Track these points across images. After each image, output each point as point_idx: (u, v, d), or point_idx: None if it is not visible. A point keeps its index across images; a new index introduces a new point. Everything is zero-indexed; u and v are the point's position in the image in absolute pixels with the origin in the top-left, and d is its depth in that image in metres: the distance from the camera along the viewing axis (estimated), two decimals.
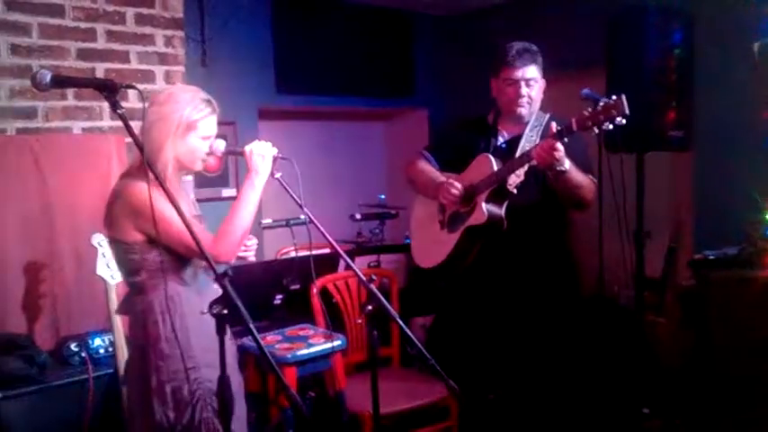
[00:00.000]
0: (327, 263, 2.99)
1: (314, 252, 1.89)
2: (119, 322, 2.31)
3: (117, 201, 1.75)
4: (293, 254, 2.93)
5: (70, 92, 2.84)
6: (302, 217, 1.77)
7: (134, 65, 3.03)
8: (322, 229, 1.76)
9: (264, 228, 3.18)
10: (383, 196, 4.59)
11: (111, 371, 2.43)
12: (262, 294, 2.89)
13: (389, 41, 4.95)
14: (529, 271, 2.40)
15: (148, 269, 1.75)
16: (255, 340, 1.41)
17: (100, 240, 2.40)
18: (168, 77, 3.13)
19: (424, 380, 2.95)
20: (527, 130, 2.40)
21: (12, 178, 2.62)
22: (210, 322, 1.80)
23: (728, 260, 3.04)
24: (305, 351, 2.56)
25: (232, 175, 4.07)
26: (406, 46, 5.05)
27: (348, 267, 1.79)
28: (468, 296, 2.53)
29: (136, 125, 1.59)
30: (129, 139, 1.80)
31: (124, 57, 2.99)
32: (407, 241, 3.11)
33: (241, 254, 1.89)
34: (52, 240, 2.69)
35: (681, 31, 2.97)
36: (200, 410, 1.75)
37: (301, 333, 2.77)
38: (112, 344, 2.41)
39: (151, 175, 1.52)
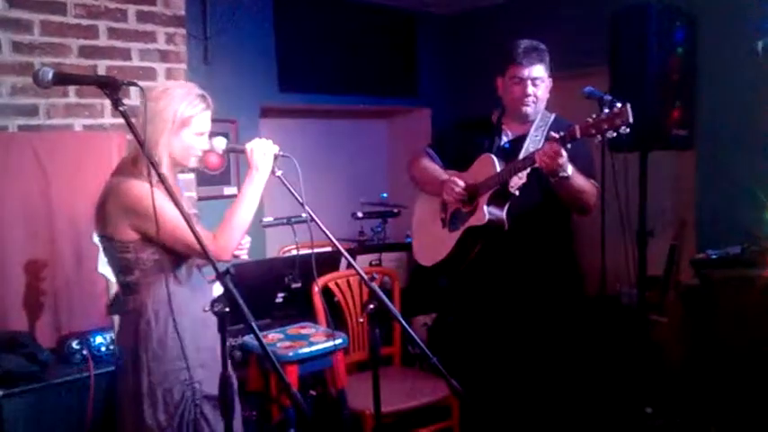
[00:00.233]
0: (329, 261, 2.98)
1: (316, 250, 1.88)
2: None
3: (110, 199, 1.72)
4: (295, 252, 2.92)
5: (72, 89, 2.83)
6: (304, 215, 1.76)
7: (136, 62, 3.02)
8: (323, 227, 1.76)
9: (266, 226, 3.18)
10: (385, 195, 4.58)
11: (113, 369, 2.42)
12: (263, 292, 2.89)
13: (392, 40, 4.94)
14: (531, 270, 2.39)
15: (142, 268, 1.73)
16: (257, 338, 1.40)
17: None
18: (170, 75, 3.12)
19: (426, 379, 2.95)
20: (532, 131, 2.39)
21: (13, 176, 2.61)
22: (203, 323, 1.79)
23: (731, 259, 3.03)
24: (306, 349, 2.56)
25: (234, 173, 4.07)
26: (409, 45, 5.04)
27: (350, 266, 1.78)
28: (470, 295, 2.52)
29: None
30: (131, 137, 1.77)
31: (126, 54, 2.99)
32: (409, 240, 3.11)
33: (235, 252, 1.86)
34: (53, 238, 2.68)
35: (684, 29, 2.96)
36: (190, 412, 1.73)
37: (303, 331, 2.77)
38: (114, 342, 2.41)
39: (153, 172, 1.51)
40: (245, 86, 4.07)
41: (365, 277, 1.74)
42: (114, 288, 2.39)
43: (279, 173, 1.84)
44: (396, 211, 4.11)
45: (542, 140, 2.32)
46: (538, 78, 2.35)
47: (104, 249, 1.79)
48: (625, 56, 2.93)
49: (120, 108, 1.49)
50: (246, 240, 1.92)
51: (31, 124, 2.74)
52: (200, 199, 3.24)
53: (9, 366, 2.24)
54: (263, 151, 1.82)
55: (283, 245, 3.80)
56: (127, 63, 3.00)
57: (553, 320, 2.40)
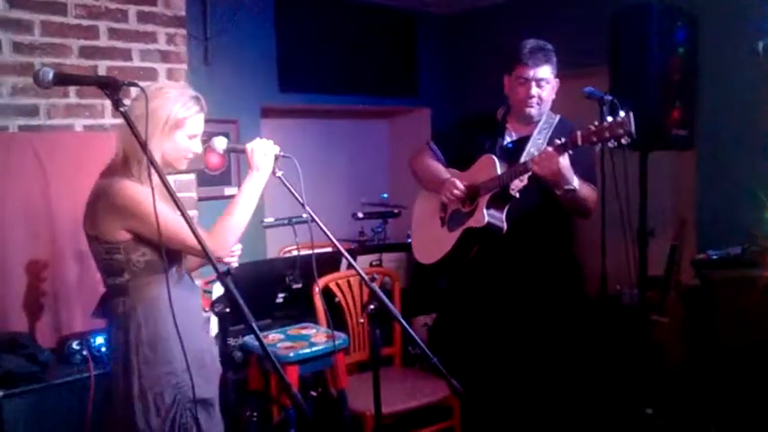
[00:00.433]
0: (330, 261, 2.98)
1: (316, 251, 1.88)
2: None
3: (101, 199, 1.69)
4: (296, 252, 2.92)
5: (72, 89, 2.83)
6: (305, 215, 1.76)
7: (136, 63, 3.02)
8: (324, 227, 1.75)
9: (267, 226, 3.18)
10: (386, 195, 4.58)
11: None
12: (264, 293, 2.89)
13: (393, 40, 4.94)
14: (531, 271, 2.39)
15: (132, 270, 1.70)
16: (258, 339, 1.39)
17: None
18: (171, 75, 3.12)
19: (427, 379, 2.95)
20: (535, 133, 2.38)
21: (13, 176, 2.61)
22: (194, 325, 1.78)
23: (732, 260, 3.04)
24: (307, 350, 2.55)
25: (234, 173, 4.07)
26: (409, 44, 5.04)
27: (350, 266, 1.78)
28: (470, 296, 2.52)
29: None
30: (120, 137, 1.75)
31: (126, 54, 2.98)
32: (410, 240, 3.10)
33: (226, 258, 1.83)
34: (54, 238, 2.68)
35: (685, 29, 2.96)
36: (181, 416, 1.71)
37: (303, 332, 2.77)
38: None
39: (154, 173, 1.50)
40: (246, 87, 4.07)
41: (365, 278, 1.74)
42: None
43: (279, 173, 1.83)
44: (396, 211, 4.11)
45: (545, 143, 2.32)
46: (543, 80, 2.34)
47: (92, 251, 1.75)
48: (626, 55, 2.92)
49: (121, 109, 1.48)
50: (238, 248, 1.89)
51: (31, 124, 2.73)
52: (200, 199, 3.23)
53: (9, 367, 2.23)
54: (263, 151, 1.82)
55: (284, 245, 3.80)
56: (127, 63, 2.99)
57: (553, 321, 2.40)
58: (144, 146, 1.49)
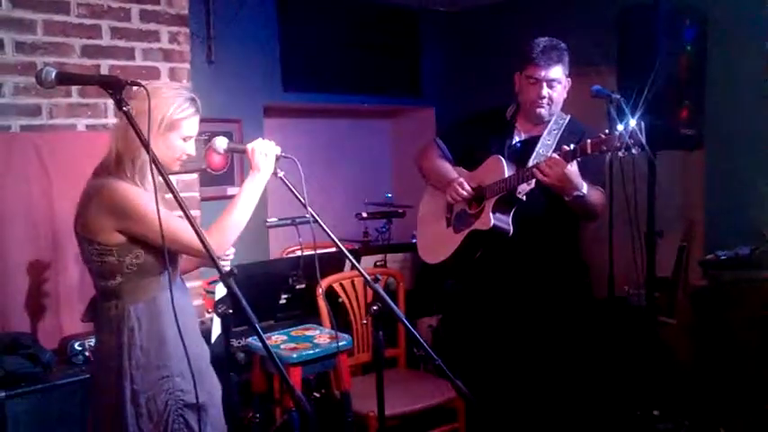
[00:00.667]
0: (333, 262, 2.97)
1: (319, 251, 1.86)
2: None
3: (94, 200, 1.66)
4: (299, 253, 2.90)
5: (74, 89, 2.82)
6: (308, 215, 1.74)
7: (139, 62, 3.01)
8: (326, 228, 1.73)
9: (270, 226, 3.16)
10: (390, 195, 4.57)
11: None
12: (267, 294, 2.87)
13: (396, 39, 4.92)
14: (538, 273, 2.37)
15: (124, 272, 1.67)
16: (261, 340, 1.37)
17: None
18: (173, 75, 3.10)
19: (431, 381, 2.93)
20: (545, 134, 2.35)
21: (15, 176, 2.60)
22: (191, 328, 1.76)
23: (740, 260, 3.01)
24: (310, 351, 2.54)
25: (237, 173, 4.06)
26: (412, 43, 5.02)
27: (353, 267, 1.76)
28: (476, 297, 2.50)
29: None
30: (113, 137, 1.73)
31: (129, 54, 2.97)
32: (414, 241, 3.08)
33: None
34: (56, 238, 2.67)
35: (693, 28, 2.93)
36: (174, 422, 1.67)
37: (307, 333, 2.75)
38: None
39: (156, 173, 1.48)
40: (249, 86, 4.06)
41: (368, 278, 1.72)
42: None
43: (281, 174, 1.82)
44: (401, 211, 4.08)
45: (554, 145, 2.29)
46: (555, 80, 2.29)
47: (83, 253, 1.72)
48: (633, 54, 2.90)
49: (124, 108, 1.46)
50: (231, 251, 1.87)
51: (33, 124, 2.72)
52: (202, 199, 3.22)
53: (11, 367, 2.23)
54: (264, 152, 1.80)
55: (287, 246, 3.78)
56: (130, 62, 2.98)
57: (560, 323, 2.38)
58: (147, 145, 1.47)
